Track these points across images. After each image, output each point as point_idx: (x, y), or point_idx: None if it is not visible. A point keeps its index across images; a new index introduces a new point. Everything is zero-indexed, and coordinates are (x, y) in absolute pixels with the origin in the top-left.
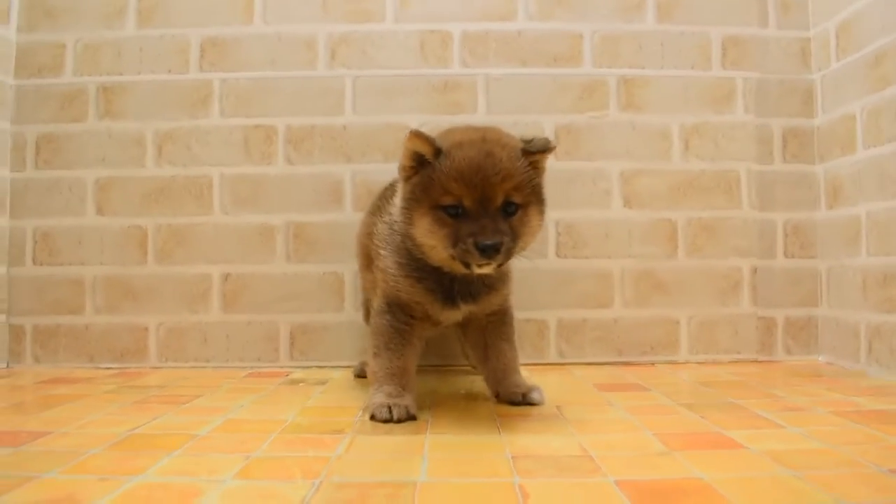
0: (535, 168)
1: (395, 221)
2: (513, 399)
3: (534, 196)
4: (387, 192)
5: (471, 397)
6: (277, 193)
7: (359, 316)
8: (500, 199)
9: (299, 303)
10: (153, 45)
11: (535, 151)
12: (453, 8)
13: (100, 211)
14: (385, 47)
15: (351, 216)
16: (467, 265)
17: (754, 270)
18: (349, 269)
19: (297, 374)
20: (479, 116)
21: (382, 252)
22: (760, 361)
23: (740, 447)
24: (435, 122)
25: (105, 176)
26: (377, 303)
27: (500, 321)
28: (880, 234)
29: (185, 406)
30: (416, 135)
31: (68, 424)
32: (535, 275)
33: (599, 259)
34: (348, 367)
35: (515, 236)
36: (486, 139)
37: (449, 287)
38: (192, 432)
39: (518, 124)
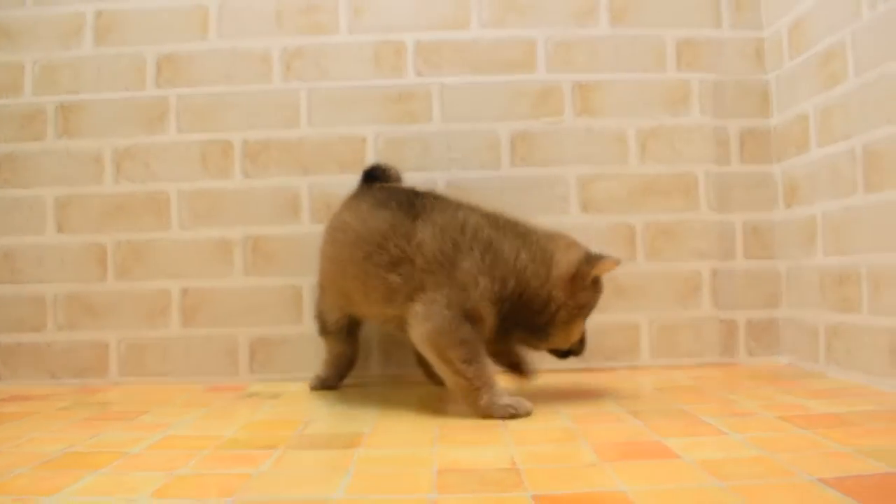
0: None
1: (515, 260)
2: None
3: None
4: (427, 200)
5: (420, 407)
6: (235, 207)
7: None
8: None
9: (258, 316)
10: (110, 64)
11: None
12: (407, 18)
13: (60, 229)
14: (339, 59)
15: (309, 228)
16: (565, 356)
17: (714, 272)
18: (307, 281)
19: (256, 388)
20: (435, 125)
21: (465, 264)
22: (723, 364)
23: (675, 456)
24: (391, 132)
25: (64, 194)
26: (447, 311)
27: None
28: (835, 233)
29: (131, 422)
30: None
31: (6, 443)
32: None
33: None
34: (307, 379)
35: None
36: None
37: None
38: (125, 450)
39: (474, 132)
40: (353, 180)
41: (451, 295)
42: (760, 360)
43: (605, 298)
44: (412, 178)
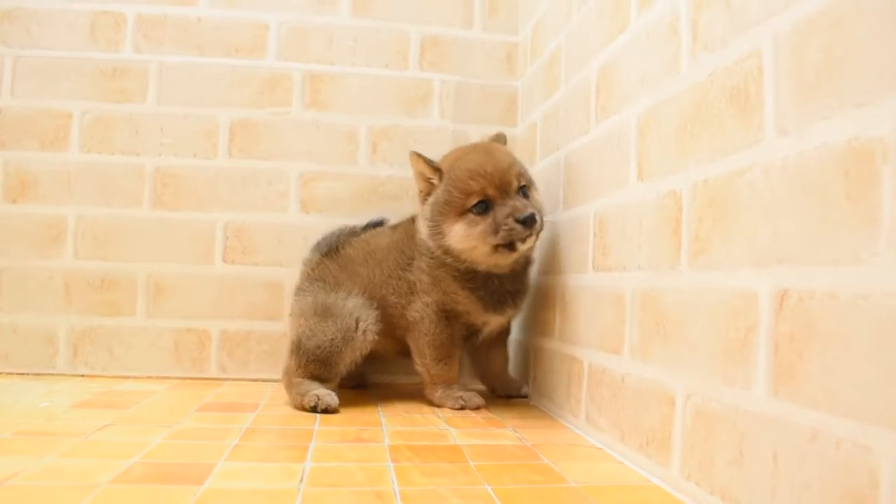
0: None
1: (434, 248)
2: (510, 393)
3: (529, 179)
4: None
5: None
6: None
7: (9, 318)
8: (515, 183)
9: None
10: None
11: None
12: None
13: None
14: (52, 26)
15: (2, 209)
16: (511, 246)
17: None
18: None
19: None
20: (149, 106)
21: (425, 278)
22: None
23: None
24: (100, 110)
25: None
26: (430, 315)
27: (507, 330)
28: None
29: None
30: (416, 157)
31: None
32: (200, 283)
33: (271, 266)
34: None
35: (538, 210)
36: (478, 146)
37: (496, 294)
38: None
39: (191, 117)
40: (53, 158)
41: (440, 299)
42: None
43: None
44: (118, 162)
